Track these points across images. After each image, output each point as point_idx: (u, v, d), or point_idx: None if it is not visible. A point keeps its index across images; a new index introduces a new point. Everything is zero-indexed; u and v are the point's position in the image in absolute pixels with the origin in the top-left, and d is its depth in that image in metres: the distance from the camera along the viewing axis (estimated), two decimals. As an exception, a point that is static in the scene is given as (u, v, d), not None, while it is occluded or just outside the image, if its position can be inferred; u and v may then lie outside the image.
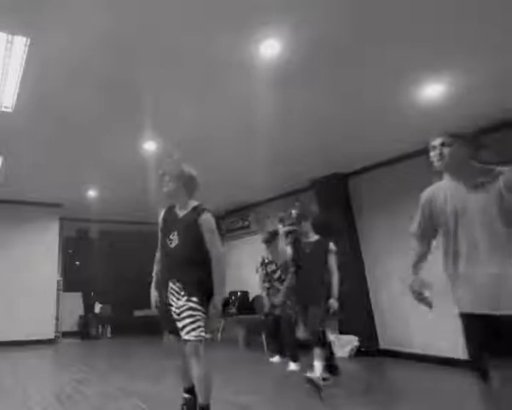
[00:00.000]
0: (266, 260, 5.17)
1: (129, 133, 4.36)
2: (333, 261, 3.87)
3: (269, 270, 5.07)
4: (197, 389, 2.36)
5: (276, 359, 5.03)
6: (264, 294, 5.11)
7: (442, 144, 1.93)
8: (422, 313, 4.76)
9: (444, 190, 1.96)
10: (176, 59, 3.01)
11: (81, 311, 8.41)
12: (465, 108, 3.87)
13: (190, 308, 2.34)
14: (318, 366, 3.53)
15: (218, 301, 2.40)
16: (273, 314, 5.02)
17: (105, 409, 3.04)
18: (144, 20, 2.57)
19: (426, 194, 2.04)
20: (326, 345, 3.83)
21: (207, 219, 2.45)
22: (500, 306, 1.68)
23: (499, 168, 1.84)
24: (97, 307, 8.30)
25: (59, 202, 7.34)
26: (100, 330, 8.13)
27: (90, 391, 3.58)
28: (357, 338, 5.19)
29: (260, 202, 7.59)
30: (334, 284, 3.80)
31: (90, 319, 8.15)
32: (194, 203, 2.54)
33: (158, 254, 2.66)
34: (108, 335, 8.19)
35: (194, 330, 2.31)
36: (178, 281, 2.41)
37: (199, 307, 2.35)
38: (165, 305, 2.47)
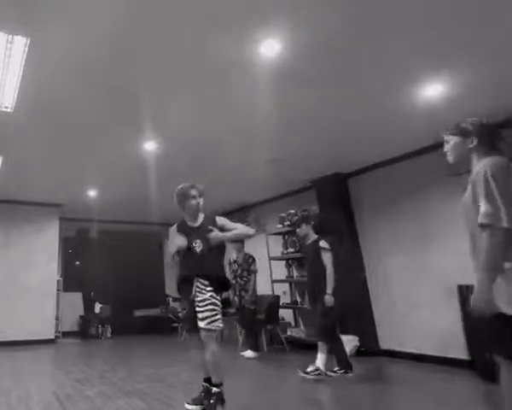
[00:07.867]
0: (231, 260, 5.86)
1: (129, 133, 4.36)
2: (326, 258, 4.02)
3: (234, 268, 5.83)
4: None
5: (249, 353, 5.28)
6: (230, 291, 5.63)
7: None
8: (423, 313, 4.80)
9: None
10: (176, 59, 3.01)
11: (81, 311, 8.41)
12: (465, 107, 3.86)
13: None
14: (320, 358, 3.87)
15: None
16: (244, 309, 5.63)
17: (105, 409, 3.04)
18: (144, 19, 2.57)
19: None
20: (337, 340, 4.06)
21: None
22: None
23: None
24: (97, 307, 8.30)
25: (59, 202, 7.33)
26: (100, 330, 8.13)
27: (90, 391, 3.58)
28: (357, 338, 5.18)
29: (260, 201, 7.59)
30: (328, 280, 3.94)
31: (90, 319, 8.15)
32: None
33: None
34: (108, 335, 8.18)
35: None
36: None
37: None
38: None
